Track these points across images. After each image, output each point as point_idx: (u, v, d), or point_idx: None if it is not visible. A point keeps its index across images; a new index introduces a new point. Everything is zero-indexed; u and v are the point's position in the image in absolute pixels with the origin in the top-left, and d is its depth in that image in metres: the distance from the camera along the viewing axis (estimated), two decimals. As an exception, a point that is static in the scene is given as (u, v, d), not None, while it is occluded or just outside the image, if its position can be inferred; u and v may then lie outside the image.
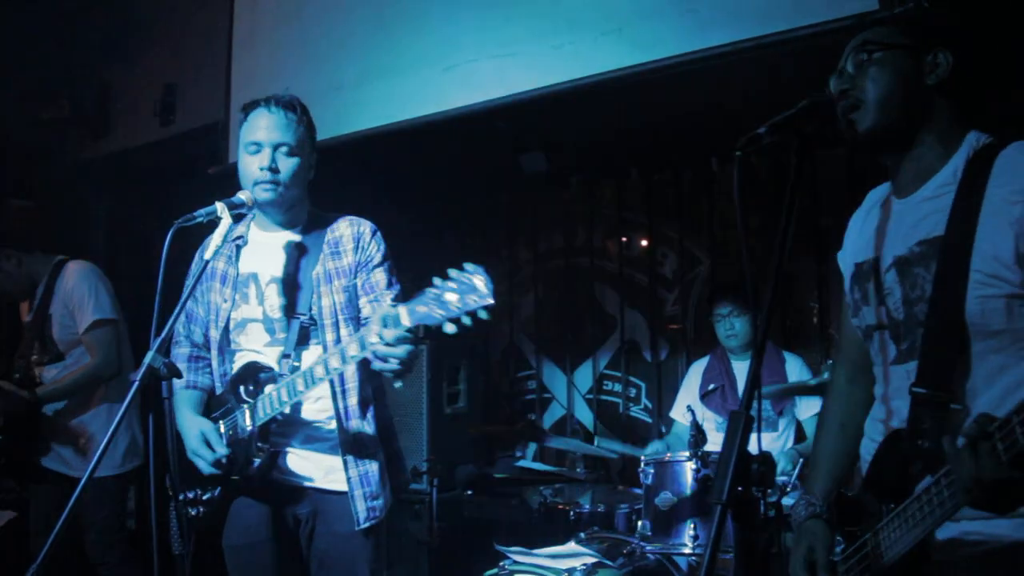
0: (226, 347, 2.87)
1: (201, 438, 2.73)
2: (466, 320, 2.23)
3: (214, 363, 2.92)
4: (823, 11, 3.21)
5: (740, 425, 1.43)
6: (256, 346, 2.83)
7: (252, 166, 2.72)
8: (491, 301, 2.20)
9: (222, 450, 2.70)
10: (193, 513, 2.79)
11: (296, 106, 2.80)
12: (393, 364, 2.41)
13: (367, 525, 2.71)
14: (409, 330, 2.33)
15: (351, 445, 2.74)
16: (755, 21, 3.45)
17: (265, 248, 2.88)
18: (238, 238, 2.92)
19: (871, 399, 2.13)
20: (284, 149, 2.73)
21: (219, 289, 2.89)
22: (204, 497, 2.78)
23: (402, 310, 2.31)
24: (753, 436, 1.44)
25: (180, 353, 3.04)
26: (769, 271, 1.62)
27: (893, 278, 1.92)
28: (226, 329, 2.86)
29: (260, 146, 2.72)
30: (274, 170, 2.71)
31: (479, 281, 2.20)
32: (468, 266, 2.23)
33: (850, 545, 1.92)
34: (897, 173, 1.98)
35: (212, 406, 2.90)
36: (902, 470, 1.81)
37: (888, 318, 1.94)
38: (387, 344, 2.35)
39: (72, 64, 6.00)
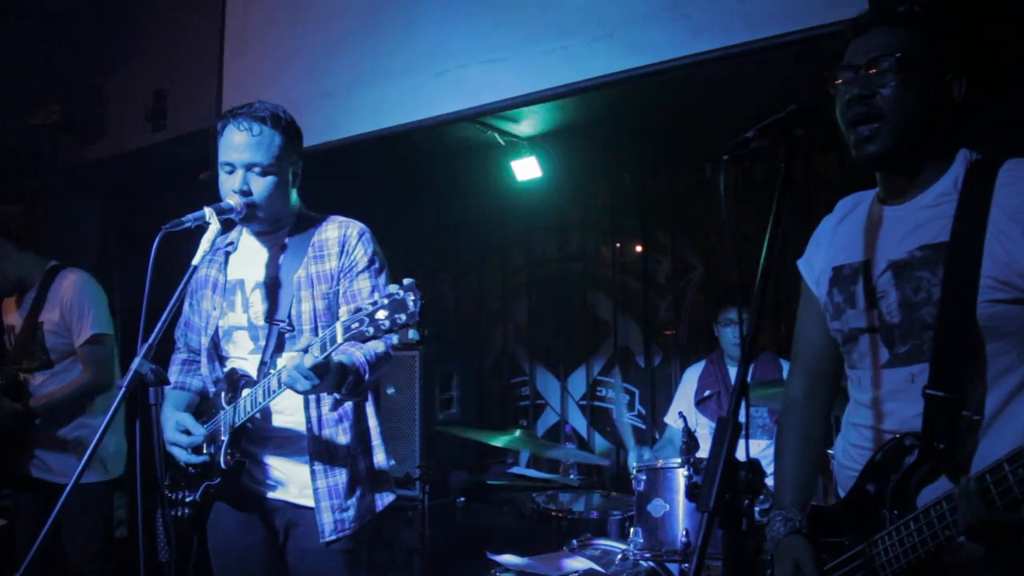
0: (215, 355, 2.83)
1: (178, 426, 2.71)
2: (394, 339, 2.18)
3: (204, 370, 2.88)
4: (814, 16, 3.20)
5: (728, 432, 1.42)
6: (242, 354, 2.78)
7: (226, 186, 2.65)
8: (417, 319, 2.14)
9: (199, 431, 2.67)
10: (178, 514, 2.76)
11: (268, 117, 2.64)
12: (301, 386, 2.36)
13: (333, 538, 2.62)
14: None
15: (321, 455, 2.66)
16: (747, 26, 3.44)
17: (251, 254, 2.83)
18: (228, 244, 2.88)
19: (828, 411, 2.17)
20: (256, 169, 2.62)
21: (210, 296, 2.86)
22: (187, 499, 2.74)
23: (338, 327, 2.25)
24: (741, 443, 1.42)
25: (178, 358, 3.03)
26: (760, 276, 1.61)
27: (888, 281, 1.92)
28: (215, 337, 2.82)
29: (233, 167, 2.63)
30: (246, 192, 2.62)
31: (409, 299, 2.13)
32: (405, 281, 2.17)
33: (835, 557, 1.90)
34: (890, 182, 1.98)
35: (203, 410, 2.87)
36: (908, 474, 1.81)
37: (880, 321, 1.93)
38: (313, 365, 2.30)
39: (63, 70, 5.97)
